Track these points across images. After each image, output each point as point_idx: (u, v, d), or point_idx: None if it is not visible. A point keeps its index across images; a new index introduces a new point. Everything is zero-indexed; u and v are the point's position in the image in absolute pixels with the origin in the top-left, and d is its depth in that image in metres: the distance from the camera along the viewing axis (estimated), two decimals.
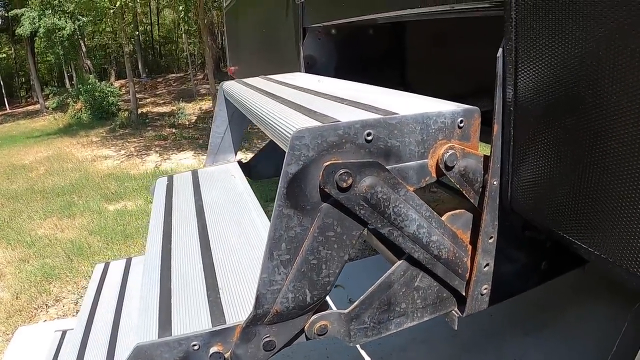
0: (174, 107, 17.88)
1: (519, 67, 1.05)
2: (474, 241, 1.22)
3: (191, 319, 1.17)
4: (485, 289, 1.27)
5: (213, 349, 1.09)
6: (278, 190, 0.97)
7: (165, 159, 11.12)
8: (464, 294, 1.27)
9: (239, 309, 1.19)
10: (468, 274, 1.24)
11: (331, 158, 0.98)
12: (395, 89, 1.55)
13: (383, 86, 1.63)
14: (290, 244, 1.00)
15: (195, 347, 1.09)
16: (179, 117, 15.78)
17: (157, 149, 12.17)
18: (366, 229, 1.07)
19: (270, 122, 1.29)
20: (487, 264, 1.24)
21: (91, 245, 6.41)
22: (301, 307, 1.07)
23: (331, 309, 1.16)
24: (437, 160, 1.10)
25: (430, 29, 2.82)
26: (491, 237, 1.21)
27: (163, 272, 1.44)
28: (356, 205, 1.00)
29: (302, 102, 1.39)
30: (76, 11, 19.81)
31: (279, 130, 1.17)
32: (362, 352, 3.11)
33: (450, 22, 2.36)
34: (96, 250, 6.20)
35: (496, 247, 1.24)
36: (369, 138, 1.01)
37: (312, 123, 1.03)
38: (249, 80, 2.28)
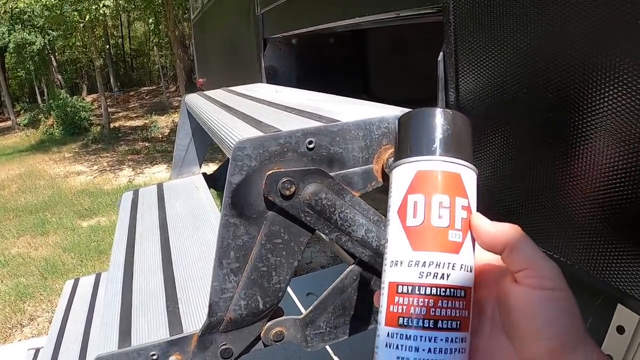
0: (147, 121, 17.81)
1: (459, 70, 1.08)
2: None
3: (150, 329, 1.19)
4: None
5: (171, 358, 1.10)
6: (223, 200, 0.99)
7: (138, 173, 11.07)
8: None
9: (196, 318, 1.21)
10: None
11: (274, 167, 0.99)
12: (358, 96, 1.58)
13: (346, 94, 1.65)
14: (238, 252, 1.02)
15: (154, 357, 1.10)
16: (151, 130, 15.72)
17: (130, 163, 12.10)
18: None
19: (219, 133, 1.31)
20: None
21: (65, 262, 6.36)
22: (254, 314, 1.08)
23: (286, 315, 1.17)
24: (383, 165, 1.12)
25: (390, 36, 2.85)
26: None
27: (125, 285, 1.45)
28: (301, 212, 1.01)
29: (252, 113, 1.41)
30: (46, 26, 19.66)
31: (225, 141, 1.19)
32: (335, 359, 3.13)
33: (409, 28, 2.40)
34: (70, 268, 6.16)
35: None
36: (311, 146, 1.03)
37: (255, 133, 1.05)
38: (210, 93, 2.30)
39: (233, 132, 1.18)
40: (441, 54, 1.13)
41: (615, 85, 0.70)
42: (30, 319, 5.10)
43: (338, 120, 1.09)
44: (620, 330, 1.31)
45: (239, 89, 2.27)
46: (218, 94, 2.20)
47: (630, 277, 0.76)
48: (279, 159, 1.00)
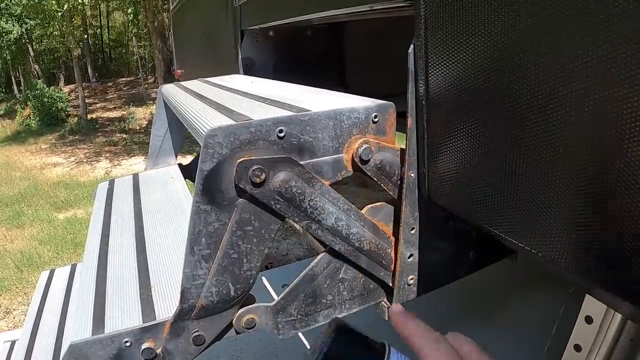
0: (125, 112, 17.65)
1: (429, 63, 1.10)
2: (396, 233, 1.26)
3: (123, 317, 1.19)
4: (412, 279, 1.31)
5: (145, 345, 1.11)
6: (195, 187, 1.00)
7: (115, 165, 11.00)
8: (390, 284, 1.31)
9: (169, 305, 1.21)
10: (393, 265, 1.28)
11: (244, 155, 1.01)
12: (335, 89, 1.59)
13: (322, 87, 1.66)
14: (209, 238, 1.03)
15: (127, 344, 1.10)
16: (129, 121, 15.59)
17: (107, 154, 12.00)
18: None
19: (191, 121, 1.32)
20: (412, 255, 1.28)
21: (41, 255, 6.32)
22: (226, 301, 1.10)
23: (258, 302, 1.19)
24: (353, 155, 1.14)
25: (367, 29, 2.87)
26: (413, 228, 1.26)
27: (99, 274, 1.45)
28: (271, 200, 1.03)
29: (225, 102, 1.42)
30: (23, 14, 19.35)
31: (197, 129, 1.20)
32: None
33: (386, 21, 2.41)
34: (46, 260, 6.12)
35: (419, 237, 1.28)
36: (281, 135, 1.04)
37: (227, 122, 1.06)
38: (186, 83, 2.30)
39: (205, 120, 1.19)
40: (411, 46, 1.15)
41: (590, 80, 0.71)
42: (6, 312, 5.07)
43: (309, 110, 1.11)
44: (589, 320, 1.35)
45: (215, 79, 2.27)
46: (194, 84, 2.20)
47: (598, 267, 0.77)
48: (249, 147, 1.02)
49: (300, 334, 3.56)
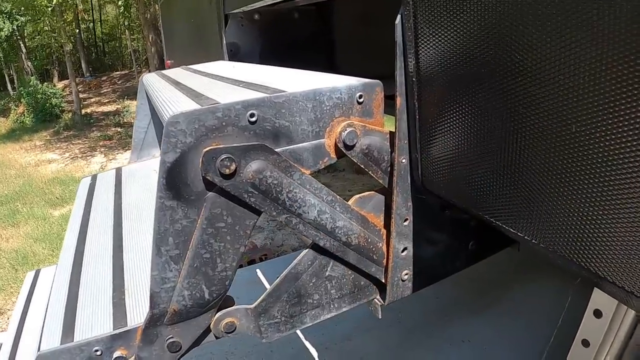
0: (119, 106, 17.56)
1: (419, 33, 1.00)
2: (388, 225, 1.17)
3: (94, 323, 1.11)
4: (406, 274, 1.22)
5: (116, 354, 1.03)
6: (157, 181, 0.90)
7: (110, 159, 10.93)
8: (383, 280, 1.22)
9: (143, 310, 1.12)
10: (385, 259, 1.19)
11: (211, 143, 0.91)
12: (324, 72, 1.49)
13: (311, 70, 1.56)
14: (177, 238, 0.93)
15: (98, 353, 1.02)
16: (124, 115, 15.50)
17: (102, 149, 11.95)
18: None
19: (160, 109, 1.22)
20: (405, 248, 1.19)
21: (36, 253, 6.27)
22: (200, 305, 1.00)
23: (237, 305, 1.10)
24: (336, 140, 1.04)
25: (356, 9, 2.77)
26: (406, 219, 1.16)
27: (73, 275, 1.36)
28: (245, 193, 0.93)
29: (198, 87, 1.31)
30: (14, 11, 19.22)
31: (163, 116, 1.10)
32: (306, 343, 3.08)
33: (375, 1, 2.30)
34: (42, 258, 6.07)
35: (413, 229, 1.19)
36: (253, 119, 0.94)
37: (192, 107, 0.95)
38: (167, 72, 2.20)
39: (170, 106, 1.08)
40: (399, 16, 1.04)
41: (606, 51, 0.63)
42: (0, 313, 5.01)
43: (284, 91, 1.00)
44: (598, 314, 1.25)
45: (197, 66, 2.17)
46: (174, 72, 2.10)
47: (607, 260, 0.70)
48: (217, 134, 0.92)
49: None
